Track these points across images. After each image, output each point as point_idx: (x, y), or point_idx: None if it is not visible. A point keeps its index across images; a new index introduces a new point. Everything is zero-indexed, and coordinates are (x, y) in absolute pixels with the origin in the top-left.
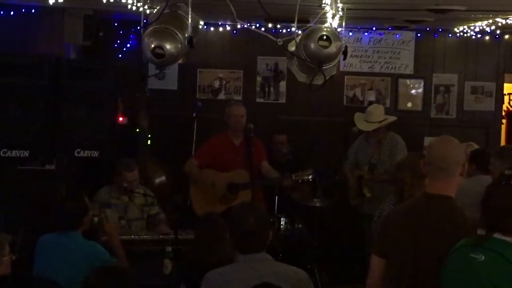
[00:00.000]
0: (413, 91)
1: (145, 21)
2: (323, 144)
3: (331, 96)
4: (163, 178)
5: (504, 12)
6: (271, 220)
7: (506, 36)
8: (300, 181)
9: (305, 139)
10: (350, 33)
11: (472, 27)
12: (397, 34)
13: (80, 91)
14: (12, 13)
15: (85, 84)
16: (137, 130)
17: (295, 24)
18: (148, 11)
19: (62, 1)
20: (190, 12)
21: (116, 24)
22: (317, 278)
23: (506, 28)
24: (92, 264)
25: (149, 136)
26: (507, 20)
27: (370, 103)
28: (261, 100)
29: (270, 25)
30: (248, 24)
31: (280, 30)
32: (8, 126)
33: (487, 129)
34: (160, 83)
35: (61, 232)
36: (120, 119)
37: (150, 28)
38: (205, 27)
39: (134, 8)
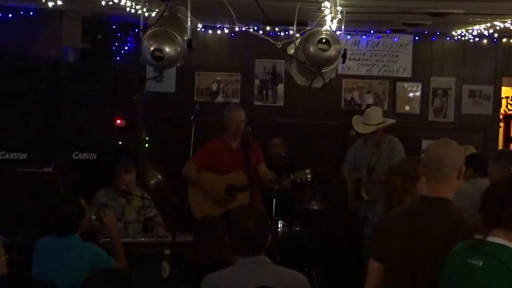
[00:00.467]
0: (411, 94)
1: (143, 24)
2: (321, 147)
3: (329, 99)
4: (159, 177)
5: (502, 16)
6: (269, 223)
7: (504, 40)
8: (298, 180)
9: (303, 142)
10: (348, 36)
11: (470, 31)
12: (395, 37)
13: (78, 94)
14: (10, 15)
15: (83, 87)
16: (135, 132)
17: (294, 27)
18: (146, 14)
19: (61, 4)
20: (189, 15)
21: (114, 26)
22: (315, 281)
23: (504, 32)
24: (91, 266)
25: (147, 138)
26: (505, 24)
27: (368, 106)
28: (259, 103)
29: (268, 28)
30: (247, 27)
31: (278, 33)
32: (6, 129)
33: (484, 132)
34: (158, 85)
35: (59, 235)
36: (118, 121)
37: (150, 31)
38: (203, 30)
39: (133, 10)
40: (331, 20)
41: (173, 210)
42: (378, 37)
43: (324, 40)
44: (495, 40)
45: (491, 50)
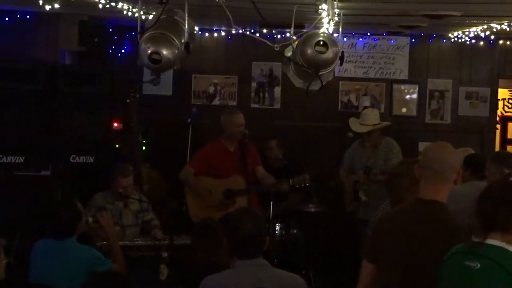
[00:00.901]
0: (407, 97)
1: (140, 26)
2: (318, 149)
3: (326, 102)
4: (156, 180)
5: (499, 18)
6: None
7: (501, 42)
8: (297, 186)
9: (300, 144)
10: (345, 39)
11: (466, 33)
12: (391, 40)
13: (75, 97)
14: (7, 19)
15: (80, 90)
16: (131, 135)
17: (291, 30)
18: (143, 17)
19: (58, 7)
20: (186, 18)
21: (111, 29)
22: (312, 284)
23: (500, 34)
24: (88, 268)
25: (144, 141)
26: (502, 26)
27: (365, 108)
28: (256, 106)
29: (265, 31)
30: (244, 30)
31: (275, 36)
32: (3, 132)
33: (481, 134)
34: (155, 88)
35: (56, 238)
36: (115, 124)
37: (147, 34)
38: (199, 32)
39: (129, 14)
40: (328, 23)
41: (170, 213)
42: (374, 40)
43: (321, 43)
44: (491, 42)
45: (487, 52)
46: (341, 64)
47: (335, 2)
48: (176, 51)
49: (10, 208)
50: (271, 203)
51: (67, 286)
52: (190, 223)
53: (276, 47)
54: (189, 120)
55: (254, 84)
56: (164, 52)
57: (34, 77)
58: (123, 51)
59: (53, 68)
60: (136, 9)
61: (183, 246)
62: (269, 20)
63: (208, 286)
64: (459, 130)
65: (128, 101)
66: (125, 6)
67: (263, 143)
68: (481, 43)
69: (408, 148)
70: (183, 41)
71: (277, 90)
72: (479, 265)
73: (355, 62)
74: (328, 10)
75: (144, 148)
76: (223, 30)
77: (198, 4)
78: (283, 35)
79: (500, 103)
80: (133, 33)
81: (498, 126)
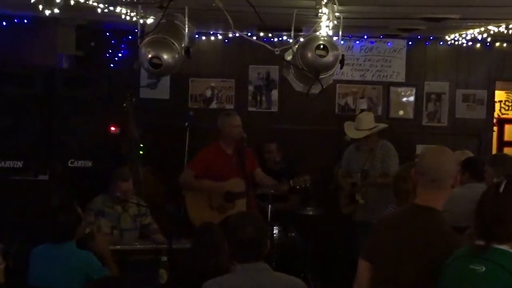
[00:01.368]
0: (404, 99)
1: (136, 31)
2: (315, 152)
3: (323, 105)
4: (153, 184)
5: (496, 20)
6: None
7: (497, 44)
8: (298, 187)
9: (298, 147)
10: (342, 42)
11: (463, 35)
12: (388, 42)
13: (73, 101)
14: (4, 23)
15: (78, 94)
16: (128, 139)
17: (291, 33)
18: (141, 21)
19: (58, 12)
20: (187, 22)
21: (108, 34)
22: (311, 287)
23: (497, 36)
24: (86, 273)
25: (141, 145)
26: (500, 28)
27: (362, 111)
28: (253, 109)
29: (262, 34)
30: (244, 33)
31: (272, 39)
32: (1, 137)
33: (478, 136)
34: (152, 92)
35: (55, 243)
36: (113, 128)
37: (147, 38)
38: (196, 36)
39: (127, 18)
40: (330, 27)
41: (168, 217)
42: (371, 42)
43: (322, 46)
44: (488, 44)
45: (484, 54)
46: (341, 68)
47: (336, 6)
48: (177, 56)
49: (9, 213)
50: (269, 206)
51: None
52: (189, 227)
53: (277, 51)
54: (186, 124)
55: (251, 88)
56: (165, 56)
57: (32, 81)
58: (120, 55)
59: (51, 73)
60: (134, 13)
61: (183, 250)
62: (267, 23)
63: None
64: (456, 132)
65: (125, 105)
66: (124, 10)
67: (262, 146)
68: (478, 45)
69: (406, 150)
70: (183, 45)
71: (274, 93)
72: (484, 269)
73: (352, 65)
74: (328, 14)
75: (141, 152)
76: (220, 34)
77: (198, 8)
78: (280, 38)
79: (497, 105)
80: (129, 37)
81: (495, 128)
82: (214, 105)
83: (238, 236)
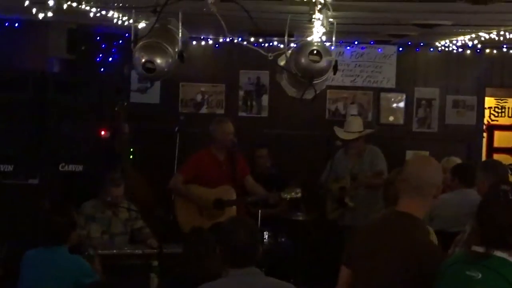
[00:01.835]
0: (395, 105)
1: (126, 35)
2: (305, 157)
3: (314, 110)
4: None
5: (487, 27)
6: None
7: (487, 50)
8: (288, 198)
9: (288, 152)
10: (333, 47)
11: (454, 41)
12: (379, 48)
13: (64, 105)
14: None
15: (69, 98)
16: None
17: (285, 38)
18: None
19: (51, 15)
20: (180, 27)
21: (98, 37)
22: None
23: (488, 43)
24: (76, 278)
25: (131, 149)
26: (491, 35)
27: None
28: (244, 114)
29: (252, 39)
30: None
31: (262, 44)
32: None
33: (468, 142)
34: (142, 97)
35: (47, 247)
36: (103, 132)
37: (141, 43)
38: None
39: (119, 22)
40: (318, 32)
41: (158, 222)
42: (362, 48)
43: (315, 52)
44: (478, 50)
45: (474, 60)
46: (334, 73)
47: (329, 11)
48: (170, 60)
49: None
50: (259, 211)
51: None
52: (179, 232)
53: (270, 56)
54: (176, 128)
55: (241, 93)
56: (158, 61)
57: (23, 85)
58: (110, 59)
59: (42, 77)
60: (126, 18)
61: (173, 254)
62: (260, 29)
63: None
64: (446, 138)
65: (116, 109)
66: (116, 15)
67: (252, 151)
68: (468, 52)
69: (395, 156)
70: (176, 49)
71: (265, 99)
72: (480, 276)
73: (343, 71)
74: (322, 19)
75: (131, 156)
76: (210, 39)
77: (191, 12)
78: (271, 44)
79: (487, 112)
80: (120, 42)
81: (484, 134)
82: (204, 109)
83: (231, 242)
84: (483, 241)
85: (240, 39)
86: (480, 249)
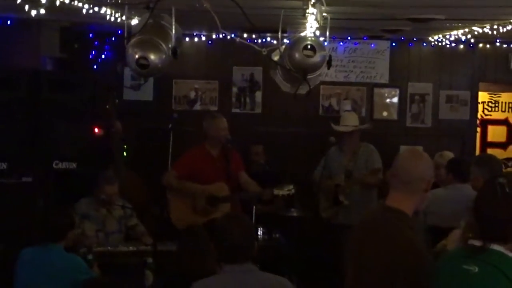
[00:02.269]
0: (388, 100)
1: (119, 32)
2: (299, 154)
3: (307, 106)
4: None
5: (481, 21)
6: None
7: (480, 45)
8: (280, 195)
9: (281, 149)
10: (326, 43)
11: (447, 36)
12: (372, 44)
13: (58, 103)
14: None
15: (63, 97)
16: (111, 141)
17: (279, 34)
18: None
19: (43, 13)
20: (174, 23)
21: (91, 35)
22: None
23: (481, 37)
24: (72, 276)
25: (125, 147)
26: (484, 29)
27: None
28: (237, 111)
29: (246, 35)
30: (225, 35)
31: (255, 40)
32: None
33: (462, 137)
34: (136, 94)
35: (43, 245)
36: (97, 130)
37: (134, 39)
38: None
39: (112, 19)
40: (312, 27)
41: (152, 219)
42: (355, 44)
43: (309, 47)
44: (471, 45)
45: (467, 55)
46: (328, 68)
47: (323, 6)
48: (164, 56)
49: None
50: (253, 207)
51: None
52: (173, 230)
53: (264, 51)
54: (170, 126)
55: (235, 89)
56: (152, 57)
57: (16, 84)
58: (103, 56)
59: (35, 75)
60: (119, 14)
61: (167, 252)
62: (253, 25)
63: None
64: (439, 133)
65: (107, 107)
66: (109, 11)
67: (247, 147)
68: (461, 47)
69: (389, 152)
70: (170, 46)
71: (258, 95)
72: (477, 269)
73: (336, 66)
74: (316, 14)
75: (125, 154)
76: (203, 35)
77: (184, 9)
78: (264, 40)
79: (480, 106)
80: (113, 39)
81: (478, 129)
82: (198, 106)
83: (226, 238)
84: (479, 235)
85: (233, 35)
86: (477, 243)
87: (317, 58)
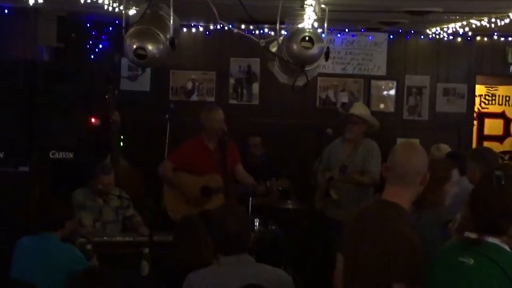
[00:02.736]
0: (385, 93)
1: (117, 22)
2: (296, 145)
3: (304, 98)
4: (133, 177)
5: (478, 14)
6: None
7: (478, 38)
8: (275, 189)
9: (278, 141)
10: (324, 35)
11: (445, 29)
12: (369, 36)
13: (55, 93)
14: None
15: (60, 87)
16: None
17: (277, 25)
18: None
19: (41, 2)
20: (172, 13)
21: (88, 25)
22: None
23: (478, 30)
24: (69, 266)
25: (122, 137)
26: (482, 22)
27: (343, 104)
28: (234, 102)
29: (243, 27)
30: (223, 26)
31: (253, 32)
32: None
33: (459, 130)
34: (132, 84)
35: (39, 235)
36: (94, 120)
37: (132, 29)
38: None
39: (110, 8)
40: (310, 17)
41: (148, 210)
42: (352, 36)
43: (307, 38)
44: (469, 38)
45: (465, 48)
46: (326, 60)
47: None
48: (161, 47)
49: None
50: (250, 199)
51: (48, 283)
52: (169, 221)
53: (262, 43)
54: (167, 116)
55: (232, 80)
56: (150, 47)
57: (13, 73)
58: (100, 46)
59: (33, 65)
60: (117, 4)
61: (163, 242)
62: (251, 16)
63: (193, 282)
64: (436, 126)
65: (106, 97)
66: (106, 1)
67: (245, 139)
68: (459, 39)
69: (386, 144)
70: (168, 36)
71: (255, 87)
72: (473, 262)
73: (333, 58)
74: (314, 6)
75: (121, 144)
76: (201, 26)
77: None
78: (262, 31)
79: (477, 100)
80: (110, 29)
81: (475, 122)
82: (195, 97)
83: (222, 230)
84: (475, 227)
85: (231, 27)
86: (472, 235)
87: (315, 50)
